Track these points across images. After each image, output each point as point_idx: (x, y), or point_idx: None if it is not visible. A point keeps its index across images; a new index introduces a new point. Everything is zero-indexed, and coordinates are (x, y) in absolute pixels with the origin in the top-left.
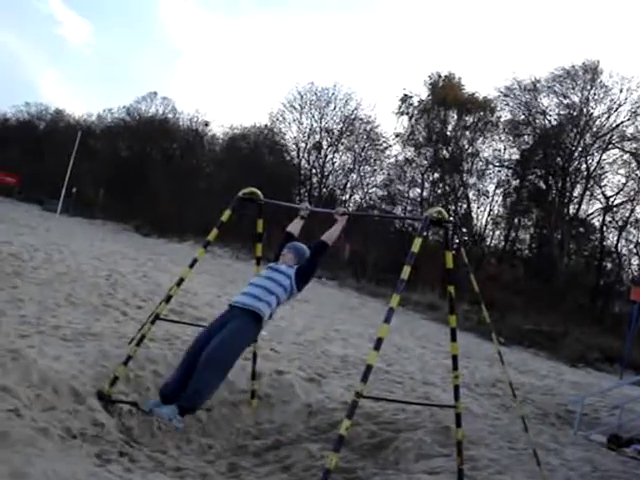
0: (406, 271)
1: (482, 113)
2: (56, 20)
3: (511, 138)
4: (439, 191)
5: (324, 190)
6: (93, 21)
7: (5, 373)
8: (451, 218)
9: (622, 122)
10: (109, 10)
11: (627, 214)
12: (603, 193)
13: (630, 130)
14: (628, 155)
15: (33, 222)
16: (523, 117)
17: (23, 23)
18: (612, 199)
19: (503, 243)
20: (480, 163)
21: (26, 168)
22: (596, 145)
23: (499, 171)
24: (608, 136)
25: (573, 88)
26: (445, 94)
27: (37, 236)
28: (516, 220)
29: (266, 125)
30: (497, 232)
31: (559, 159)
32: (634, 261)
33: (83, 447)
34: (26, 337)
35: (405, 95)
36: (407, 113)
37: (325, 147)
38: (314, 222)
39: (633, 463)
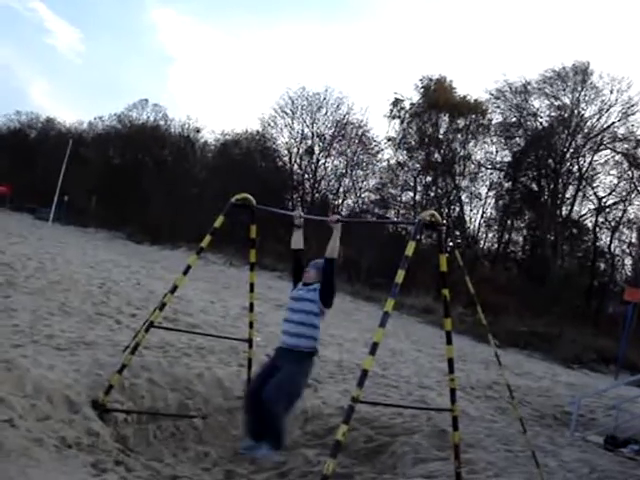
0: (400, 275)
1: (474, 116)
2: (46, 29)
3: (503, 140)
4: (432, 194)
5: (317, 195)
6: (83, 29)
7: None
8: (444, 221)
9: (613, 123)
10: (99, 18)
11: (619, 214)
12: (595, 194)
13: (621, 131)
14: (620, 156)
15: (25, 231)
16: (514, 119)
17: (12, 32)
18: (604, 200)
19: (496, 245)
20: (472, 166)
21: (18, 177)
22: (587, 146)
23: (491, 173)
24: (599, 137)
25: (564, 90)
26: (437, 97)
27: (29, 245)
28: (509, 222)
29: (258, 131)
30: (490, 234)
31: (551, 161)
32: (627, 261)
33: (79, 457)
34: (19, 347)
35: (397, 99)
36: (399, 117)
37: (317, 152)
38: (308, 229)
39: (630, 464)
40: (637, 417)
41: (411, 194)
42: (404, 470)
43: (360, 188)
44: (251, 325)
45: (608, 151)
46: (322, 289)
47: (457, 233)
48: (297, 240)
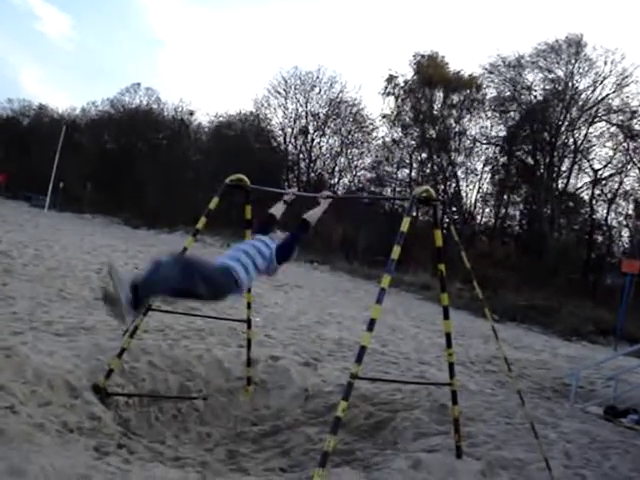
0: (396, 251)
1: (468, 91)
2: (35, 15)
3: (497, 115)
4: (427, 171)
5: (312, 175)
6: (73, 15)
7: None
8: (439, 197)
9: (607, 95)
10: (88, 3)
11: (616, 186)
12: (591, 166)
13: (616, 102)
14: (615, 127)
15: (21, 219)
16: (509, 93)
17: (2, 20)
18: (600, 172)
19: (493, 220)
20: (467, 141)
21: (12, 165)
22: (582, 119)
23: (487, 148)
24: (594, 109)
25: (557, 62)
26: (430, 73)
27: (26, 233)
28: (505, 197)
29: (252, 112)
30: (487, 209)
31: (546, 134)
32: (624, 233)
33: (81, 441)
34: (19, 334)
35: (390, 76)
36: (393, 94)
37: (312, 131)
38: (301, 207)
39: (630, 433)
40: (636, 387)
41: (407, 171)
42: (405, 445)
43: (356, 167)
44: (249, 306)
45: (603, 123)
46: (285, 243)
47: (454, 209)
48: (278, 208)
